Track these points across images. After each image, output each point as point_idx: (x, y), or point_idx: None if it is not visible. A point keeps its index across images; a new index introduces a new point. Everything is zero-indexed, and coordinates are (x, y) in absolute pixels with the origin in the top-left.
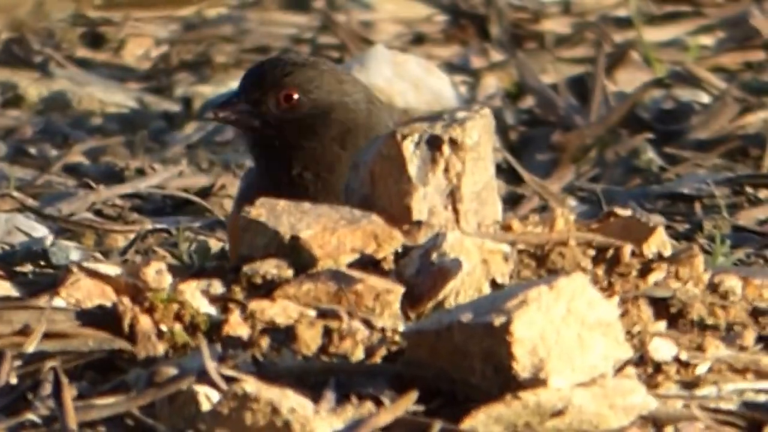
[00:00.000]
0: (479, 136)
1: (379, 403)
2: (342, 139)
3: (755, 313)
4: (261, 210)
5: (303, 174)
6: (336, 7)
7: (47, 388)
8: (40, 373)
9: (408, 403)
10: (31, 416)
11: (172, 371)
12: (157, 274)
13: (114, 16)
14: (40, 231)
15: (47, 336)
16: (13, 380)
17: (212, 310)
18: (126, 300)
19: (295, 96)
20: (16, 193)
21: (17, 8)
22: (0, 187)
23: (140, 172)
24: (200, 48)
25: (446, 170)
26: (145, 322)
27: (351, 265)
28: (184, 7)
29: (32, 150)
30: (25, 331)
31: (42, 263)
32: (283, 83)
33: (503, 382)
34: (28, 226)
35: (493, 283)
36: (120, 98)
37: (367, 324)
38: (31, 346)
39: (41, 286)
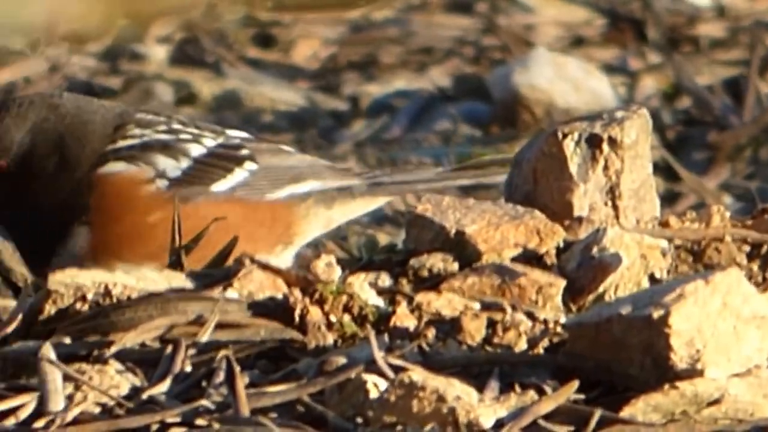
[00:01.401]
0: (637, 134)
1: (541, 392)
2: (57, 156)
3: None
4: (427, 205)
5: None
6: (498, 10)
7: (220, 376)
8: (214, 362)
9: (569, 392)
10: (205, 403)
11: (341, 360)
12: (326, 266)
13: (284, 18)
14: None
15: (220, 326)
16: (188, 368)
17: (380, 302)
18: (297, 292)
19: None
20: None
21: (190, 10)
22: None
23: None
24: (367, 49)
25: (605, 168)
26: (315, 313)
27: (514, 259)
28: (352, 9)
29: None
30: (198, 321)
31: None
32: None
33: (661, 372)
34: None
35: (652, 278)
36: (290, 97)
37: (530, 316)
38: (204, 336)
39: (214, 278)
